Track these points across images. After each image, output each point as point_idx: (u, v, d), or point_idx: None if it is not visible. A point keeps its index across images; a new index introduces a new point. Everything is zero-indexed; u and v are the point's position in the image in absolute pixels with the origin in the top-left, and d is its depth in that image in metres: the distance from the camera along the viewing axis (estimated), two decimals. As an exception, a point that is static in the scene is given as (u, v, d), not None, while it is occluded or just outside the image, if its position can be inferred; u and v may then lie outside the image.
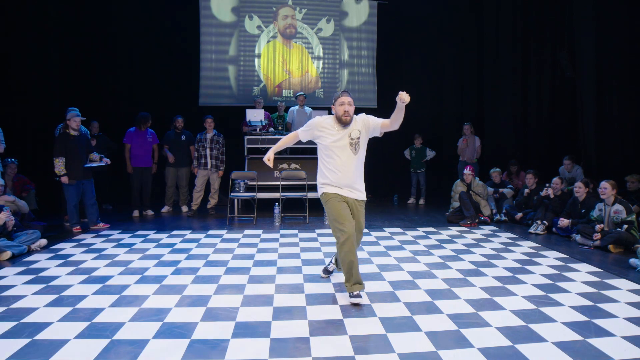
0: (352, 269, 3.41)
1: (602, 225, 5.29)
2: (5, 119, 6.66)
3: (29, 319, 3.10)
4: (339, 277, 4.07)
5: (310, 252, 5.02)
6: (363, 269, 4.34)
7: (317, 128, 3.55)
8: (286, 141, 3.82)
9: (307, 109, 8.40)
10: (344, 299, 3.53)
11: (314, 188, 7.42)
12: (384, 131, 3.63)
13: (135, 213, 7.12)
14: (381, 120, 3.59)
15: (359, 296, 3.41)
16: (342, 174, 3.51)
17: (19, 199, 5.69)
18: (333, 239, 5.52)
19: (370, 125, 3.56)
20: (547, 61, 8.67)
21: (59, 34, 8.26)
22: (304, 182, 6.97)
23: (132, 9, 8.90)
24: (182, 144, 7.45)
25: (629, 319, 3.17)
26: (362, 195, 3.63)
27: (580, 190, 5.90)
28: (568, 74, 8.10)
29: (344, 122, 3.47)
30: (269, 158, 3.67)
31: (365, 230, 6.13)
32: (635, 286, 3.90)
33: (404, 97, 3.29)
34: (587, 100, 7.55)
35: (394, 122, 3.52)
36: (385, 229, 6.31)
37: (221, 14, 9.44)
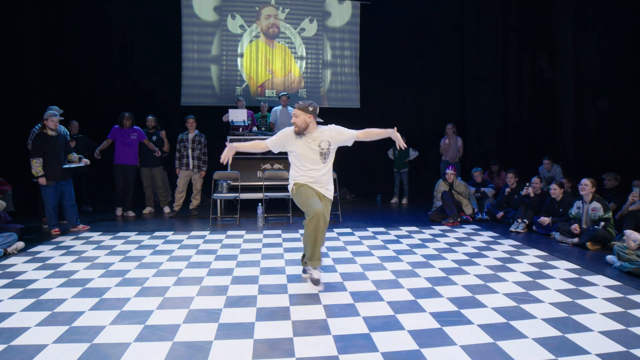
0: (315, 246, 3.59)
1: (577, 225, 5.41)
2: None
3: (5, 324, 3.02)
4: (322, 278, 4.07)
5: (294, 252, 5.01)
6: (346, 268, 4.36)
7: (286, 139, 3.70)
8: (254, 147, 3.85)
9: (290, 109, 8.38)
10: (327, 298, 3.54)
11: (297, 188, 7.43)
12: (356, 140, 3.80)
13: (119, 211, 7.02)
14: (355, 132, 3.72)
15: (317, 271, 3.72)
16: (313, 179, 3.71)
17: None
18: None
19: (342, 139, 3.71)
20: (527, 63, 8.84)
21: (38, 32, 8.07)
22: (287, 183, 6.93)
23: (113, 7, 8.75)
24: (153, 144, 7.35)
25: (606, 314, 3.25)
26: (331, 195, 3.82)
27: (555, 191, 6.04)
28: (547, 76, 8.27)
29: (297, 133, 3.65)
30: (228, 156, 3.79)
31: (349, 230, 6.15)
32: (611, 282, 4.00)
33: (401, 141, 3.62)
34: (565, 101, 7.72)
35: (369, 138, 3.77)
36: (368, 228, 6.33)
37: (203, 13, 9.36)
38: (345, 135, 3.70)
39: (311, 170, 3.68)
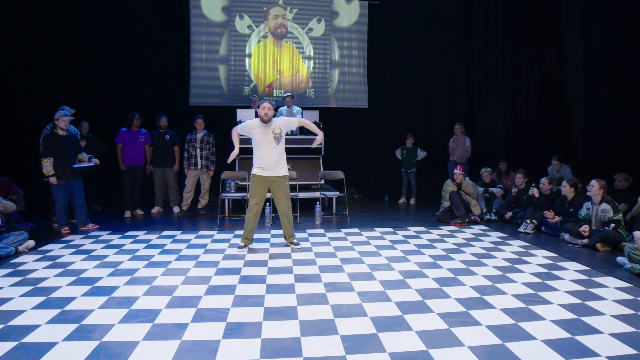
0: (247, 229, 4.99)
1: (587, 226, 5.35)
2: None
3: (16, 321, 3.06)
4: (329, 277, 4.07)
5: (301, 252, 5.01)
6: (354, 268, 4.36)
7: (249, 127, 4.92)
8: (235, 136, 5.18)
9: (296, 109, 8.39)
10: (335, 298, 3.54)
11: (305, 188, 7.43)
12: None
13: (127, 214, 7.06)
14: (297, 120, 5.10)
15: (241, 247, 4.99)
16: (267, 165, 4.92)
17: (4, 199, 5.60)
18: (324, 239, 5.61)
19: (289, 126, 5.03)
20: (536, 62, 8.77)
21: (47, 33, 8.16)
22: (295, 182, 6.94)
23: (122, 8, 8.82)
24: (165, 144, 7.37)
25: (616, 317, 3.21)
26: (284, 172, 5.03)
27: (565, 188, 5.97)
28: (556, 75, 8.20)
29: (265, 122, 4.83)
30: (234, 155, 5.16)
31: (356, 230, 6.14)
32: (622, 284, 3.96)
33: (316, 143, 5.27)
34: (574, 101, 7.65)
35: (306, 127, 5.22)
36: (376, 228, 6.32)
37: (211, 14, 9.40)
38: (291, 123, 5.02)
39: (267, 154, 4.88)
